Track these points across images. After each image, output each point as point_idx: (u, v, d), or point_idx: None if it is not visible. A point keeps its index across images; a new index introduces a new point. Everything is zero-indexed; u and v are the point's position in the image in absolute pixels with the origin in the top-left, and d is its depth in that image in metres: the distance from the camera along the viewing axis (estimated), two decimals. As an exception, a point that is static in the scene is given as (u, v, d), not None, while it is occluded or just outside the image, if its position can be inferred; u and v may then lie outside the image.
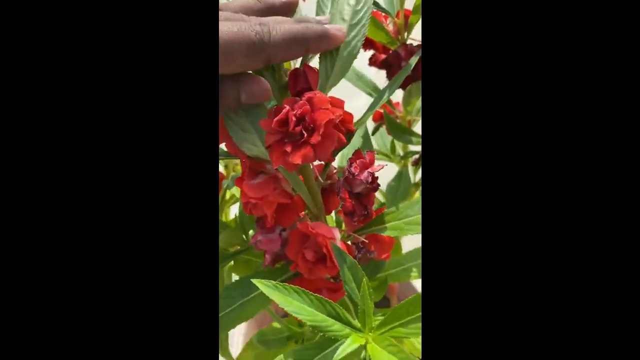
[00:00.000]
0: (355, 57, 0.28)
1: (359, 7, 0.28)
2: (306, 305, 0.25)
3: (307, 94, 0.25)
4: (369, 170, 0.27)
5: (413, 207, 0.30)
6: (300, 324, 0.38)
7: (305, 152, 0.23)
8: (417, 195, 0.53)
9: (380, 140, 0.57)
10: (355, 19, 0.28)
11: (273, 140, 0.24)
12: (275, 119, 0.24)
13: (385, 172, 0.54)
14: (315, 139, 0.23)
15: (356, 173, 0.27)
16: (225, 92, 0.25)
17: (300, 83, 0.26)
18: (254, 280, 0.24)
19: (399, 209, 0.30)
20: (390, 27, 0.44)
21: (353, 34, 0.27)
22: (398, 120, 0.51)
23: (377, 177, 0.28)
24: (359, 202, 0.28)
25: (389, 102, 0.52)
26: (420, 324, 0.25)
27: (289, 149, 0.24)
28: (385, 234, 0.29)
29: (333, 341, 0.27)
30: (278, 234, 0.31)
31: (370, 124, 0.56)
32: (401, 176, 0.53)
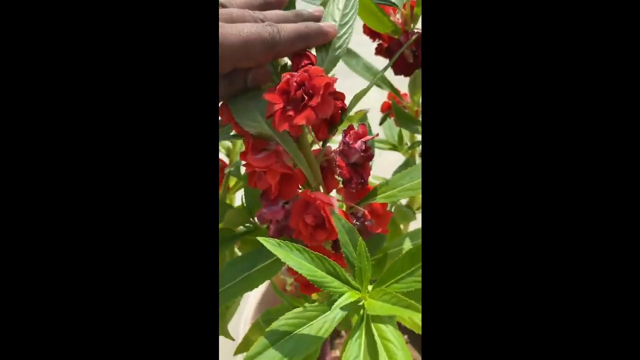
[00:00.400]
0: (344, 50, 0.33)
1: (346, 11, 0.33)
2: (307, 262, 0.27)
3: (304, 68, 0.27)
4: (362, 139, 0.29)
5: (405, 178, 0.32)
6: (304, 299, 0.40)
7: (307, 113, 0.26)
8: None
9: (388, 131, 0.60)
10: (344, 20, 0.33)
11: (276, 109, 0.27)
12: (278, 87, 0.27)
13: (393, 163, 0.56)
14: (316, 101, 0.26)
15: (350, 142, 0.29)
16: (235, 78, 0.29)
17: (304, 61, 0.29)
18: (260, 239, 0.26)
19: (391, 180, 0.32)
20: (397, 18, 0.46)
21: (342, 32, 0.33)
22: (406, 110, 0.53)
23: (370, 147, 0.30)
24: (356, 172, 0.30)
25: (397, 92, 0.54)
26: (414, 278, 0.27)
27: (292, 113, 0.26)
28: (379, 200, 0.31)
29: (334, 302, 0.29)
30: (281, 207, 0.33)
31: (378, 115, 0.58)
32: (408, 164, 0.55)
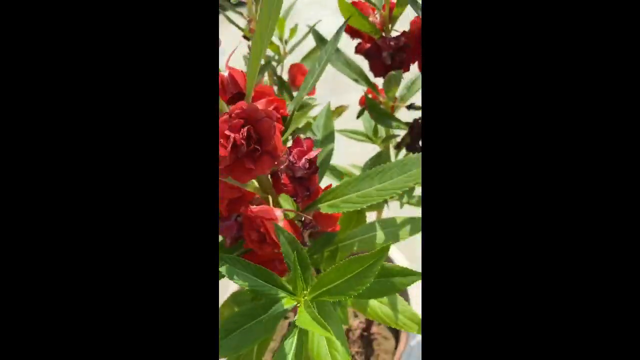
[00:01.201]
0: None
1: None
2: (249, 274, 0.29)
3: (239, 104, 0.27)
4: (306, 157, 0.31)
5: (348, 187, 0.34)
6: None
7: (265, 159, 0.27)
8: (358, 173, 0.57)
9: (367, 123, 0.62)
10: None
11: (229, 163, 0.27)
12: (228, 148, 0.26)
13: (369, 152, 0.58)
14: (269, 146, 0.26)
15: (294, 161, 0.31)
16: None
17: (230, 89, 0.28)
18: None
19: (337, 188, 0.34)
20: (376, 19, 0.47)
21: None
22: (382, 106, 0.54)
23: (314, 162, 0.32)
24: (301, 185, 0.32)
25: (374, 88, 0.55)
26: (342, 290, 0.29)
27: (250, 165, 0.27)
28: (323, 211, 0.33)
29: (275, 302, 0.32)
30: (234, 220, 0.35)
31: (356, 108, 0.60)
32: (381, 155, 0.57)
